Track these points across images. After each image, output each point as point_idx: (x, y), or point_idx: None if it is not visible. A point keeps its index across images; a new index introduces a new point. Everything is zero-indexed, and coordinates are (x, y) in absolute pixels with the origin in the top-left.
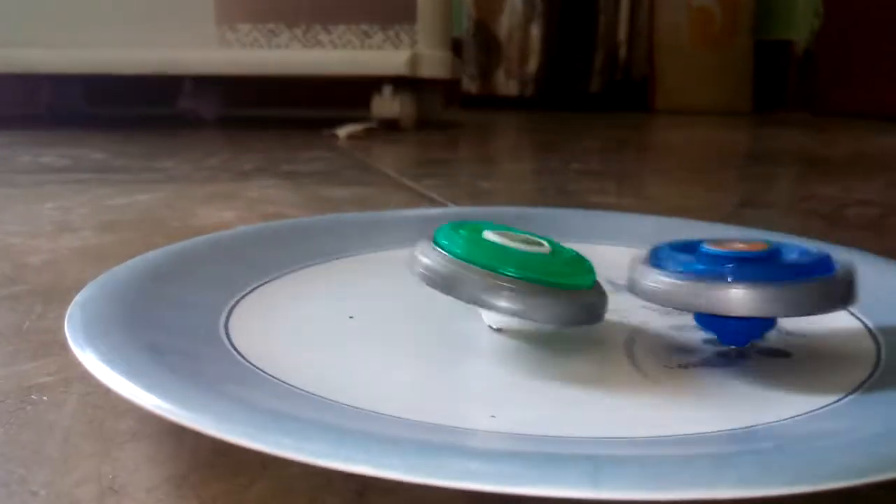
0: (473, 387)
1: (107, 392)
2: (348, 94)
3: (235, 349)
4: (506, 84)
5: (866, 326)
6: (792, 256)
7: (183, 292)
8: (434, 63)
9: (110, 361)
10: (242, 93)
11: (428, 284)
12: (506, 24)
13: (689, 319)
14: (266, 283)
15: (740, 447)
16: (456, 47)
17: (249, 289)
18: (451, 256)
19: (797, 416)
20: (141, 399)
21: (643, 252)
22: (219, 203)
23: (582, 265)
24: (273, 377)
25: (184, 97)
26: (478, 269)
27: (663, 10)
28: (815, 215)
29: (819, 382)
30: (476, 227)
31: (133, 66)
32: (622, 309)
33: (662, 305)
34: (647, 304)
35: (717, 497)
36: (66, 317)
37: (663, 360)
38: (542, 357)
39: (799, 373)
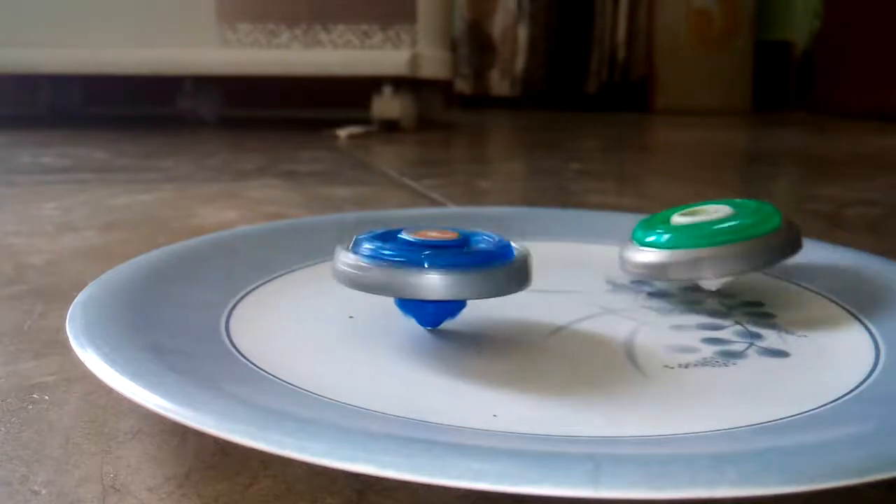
0: (475, 386)
1: (108, 391)
2: (348, 94)
3: (236, 348)
4: (500, 84)
5: (865, 326)
6: (479, 245)
7: (184, 292)
8: (434, 63)
9: (111, 361)
10: (243, 93)
11: (654, 279)
12: (499, 24)
13: (689, 319)
14: (267, 282)
15: (739, 446)
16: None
17: (250, 288)
18: (659, 249)
19: (796, 415)
20: (142, 398)
21: (347, 240)
22: (220, 203)
23: (764, 211)
24: (274, 376)
25: (184, 97)
26: (691, 251)
27: (663, 12)
28: (815, 215)
29: (818, 382)
30: (664, 217)
31: (133, 66)
32: (623, 309)
33: (365, 291)
34: (647, 304)
35: (717, 496)
36: (68, 316)
37: (663, 360)
38: (543, 357)
39: (798, 372)
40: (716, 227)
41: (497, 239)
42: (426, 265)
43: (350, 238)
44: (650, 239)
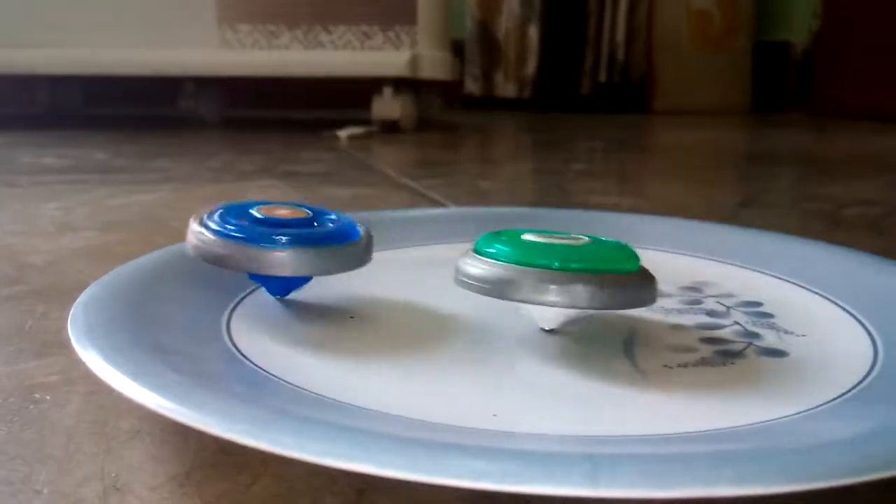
0: (474, 386)
1: (109, 391)
2: (349, 94)
3: (237, 348)
4: (504, 86)
5: (863, 326)
6: (327, 224)
7: (185, 292)
8: (434, 64)
9: (113, 361)
10: (243, 94)
11: (478, 293)
12: (503, 25)
13: (688, 319)
14: None
15: (738, 446)
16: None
17: (251, 288)
18: (496, 262)
19: (794, 414)
20: (143, 398)
21: (200, 213)
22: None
23: (624, 252)
24: (274, 376)
25: (185, 98)
26: (524, 269)
27: (662, 12)
28: (815, 215)
29: (816, 381)
30: (514, 234)
31: (134, 67)
32: None
33: (215, 265)
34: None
35: (715, 495)
36: (69, 316)
37: (662, 360)
38: (542, 357)
39: (796, 372)
40: (567, 251)
41: (343, 219)
42: (276, 243)
43: (202, 214)
44: (491, 250)
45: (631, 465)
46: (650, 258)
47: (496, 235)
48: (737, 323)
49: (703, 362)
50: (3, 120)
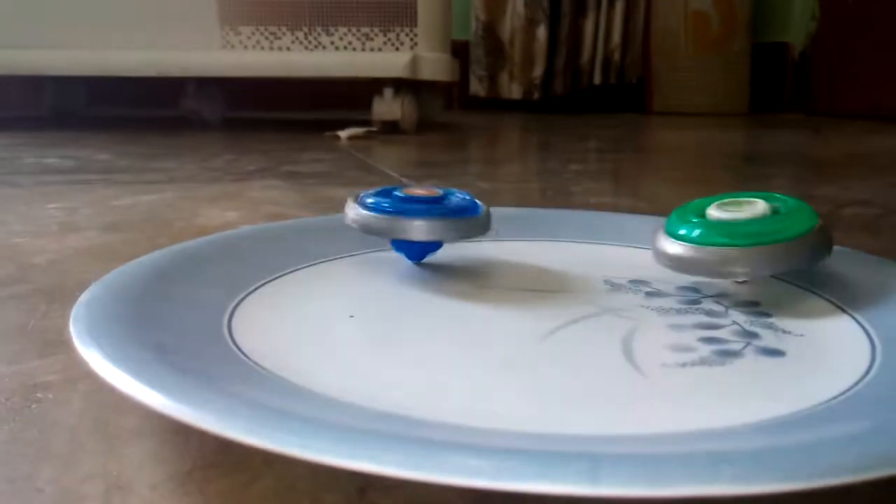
0: (474, 384)
1: (111, 390)
2: (349, 95)
3: (238, 348)
4: (509, 87)
5: (861, 325)
6: (454, 200)
7: (186, 292)
8: (434, 65)
9: (115, 360)
10: (245, 95)
11: (681, 272)
12: (508, 27)
13: (686, 319)
14: (268, 282)
15: (737, 444)
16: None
17: (252, 288)
18: (689, 244)
19: (792, 413)
20: (145, 397)
21: (355, 194)
22: (222, 203)
23: (800, 212)
24: (275, 375)
25: (187, 99)
26: (714, 250)
27: (660, 14)
28: None
29: (814, 380)
30: (700, 207)
31: (136, 68)
32: (621, 308)
33: (367, 233)
34: (645, 303)
35: (714, 493)
36: (71, 316)
37: (661, 359)
38: (541, 356)
39: (794, 371)
40: (747, 227)
41: (469, 197)
42: (411, 214)
43: (356, 195)
44: (682, 232)
45: (630, 464)
46: (650, 258)
47: (685, 213)
48: (735, 323)
49: (701, 362)
50: (6, 121)
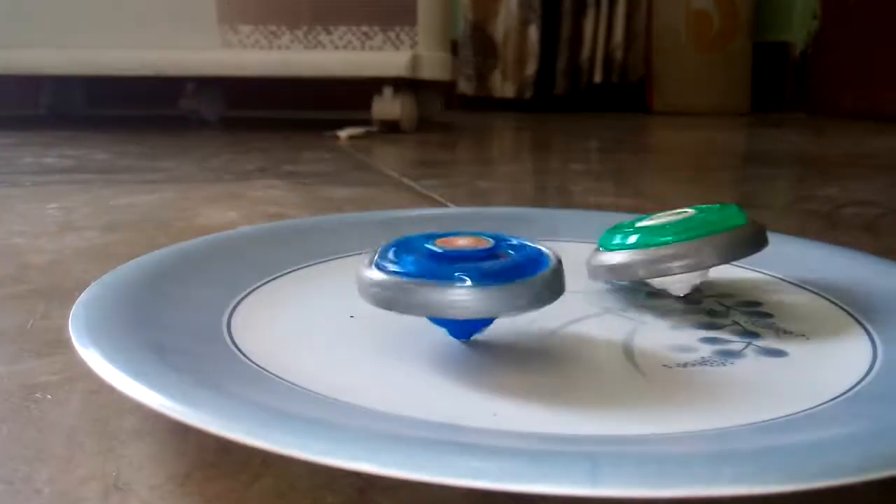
0: (475, 385)
1: (110, 390)
2: (349, 95)
3: (238, 348)
4: (502, 86)
5: (862, 326)
6: (512, 252)
7: (186, 292)
8: (434, 64)
9: (114, 360)
10: (244, 94)
11: (622, 279)
12: (502, 26)
13: (687, 319)
14: (268, 282)
15: (737, 445)
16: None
17: (251, 288)
18: (626, 250)
19: (793, 414)
20: (144, 397)
21: (371, 252)
22: (221, 203)
23: (729, 211)
24: (275, 375)
25: (186, 98)
26: (649, 250)
27: (661, 13)
28: (813, 215)
29: (815, 381)
30: (630, 224)
31: (135, 68)
32: (621, 308)
33: (385, 309)
34: (646, 303)
35: (715, 494)
36: (70, 316)
37: (662, 360)
38: (542, 356)
39: (795, 371)
40: (680, 225)
41: (526, 244)
42: (452, 279)
43: (374, 250)
44: (616, 241)
45: (631, 465)
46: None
47: (614, 231)
48: (736, 323)
49: (702, 362)
50: (5, 120)
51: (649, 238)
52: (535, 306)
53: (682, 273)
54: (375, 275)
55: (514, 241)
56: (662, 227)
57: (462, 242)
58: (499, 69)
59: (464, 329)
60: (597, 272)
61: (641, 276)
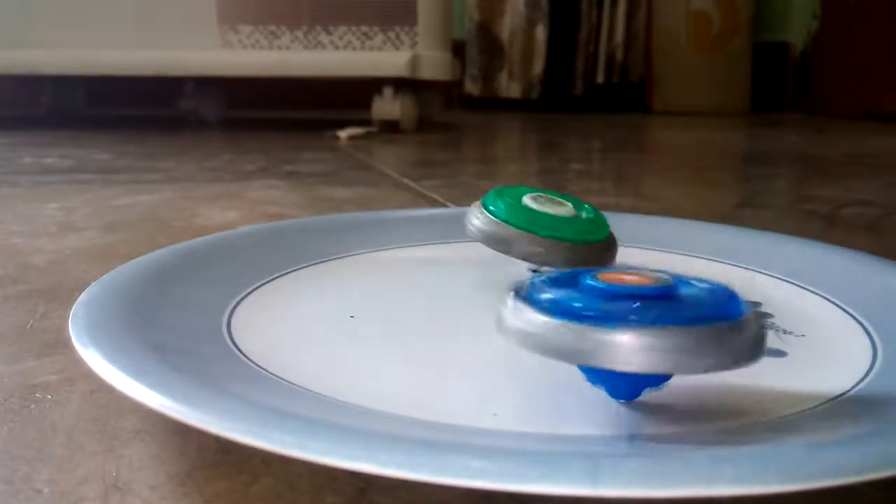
0: (475, 385)
1: (110, 390)
2: (349, 95)
3: (237, 348)
4: (508, 86)
5: (862, 325)
6: (694, 292)
7: (186, 292)
8: (434, 64)
9: (114, 360)
10: (244, 94)
11: (480, 242)
12: (508, 26)
13: None
14: (268, 282)
15: (737, 445)
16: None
17: (251, 288)
18: (497, 220)
19: (793, 413)
20: (144, 397)
21: (520, 281)
22: (221, 203)
23: (598, 223)
24: (275, 375)
25: (186, 98)
26: (518, 232)
27: (661, 14)
28: (813, 216)
29: (815, 381)
30: (517, 193)
31: (135, 68)
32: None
33: (535, 352)
34: None
35: (715, 494)
36: (70, 316)
37: None
38: (542, 356)
39: (795, 371)
40: (546, 220)
41: (720, 288)
42: (621, 322)
43: (522, 283)
44: (492, 208)
45: (631, 465)
46: (649, 258)
47: (501, 193)
48: None
49: None
50: (5, 120)
51: (517, 218)
52: (731, 364)
53: (527, 263)
54: (531, 314)
55: (697, 284)
56: (536, 214)
57: (631, 278)
58: (505, 69)
59: (631, 386)
60: (467, 227)
61: (495, 248)
